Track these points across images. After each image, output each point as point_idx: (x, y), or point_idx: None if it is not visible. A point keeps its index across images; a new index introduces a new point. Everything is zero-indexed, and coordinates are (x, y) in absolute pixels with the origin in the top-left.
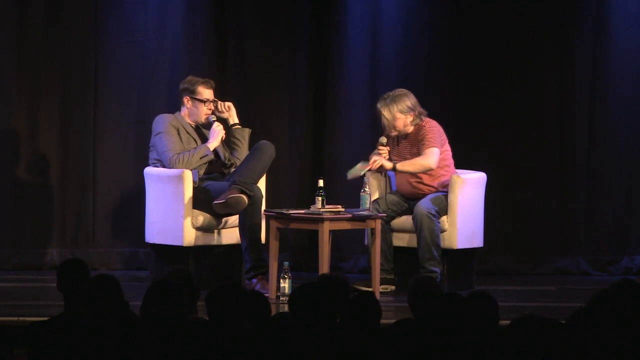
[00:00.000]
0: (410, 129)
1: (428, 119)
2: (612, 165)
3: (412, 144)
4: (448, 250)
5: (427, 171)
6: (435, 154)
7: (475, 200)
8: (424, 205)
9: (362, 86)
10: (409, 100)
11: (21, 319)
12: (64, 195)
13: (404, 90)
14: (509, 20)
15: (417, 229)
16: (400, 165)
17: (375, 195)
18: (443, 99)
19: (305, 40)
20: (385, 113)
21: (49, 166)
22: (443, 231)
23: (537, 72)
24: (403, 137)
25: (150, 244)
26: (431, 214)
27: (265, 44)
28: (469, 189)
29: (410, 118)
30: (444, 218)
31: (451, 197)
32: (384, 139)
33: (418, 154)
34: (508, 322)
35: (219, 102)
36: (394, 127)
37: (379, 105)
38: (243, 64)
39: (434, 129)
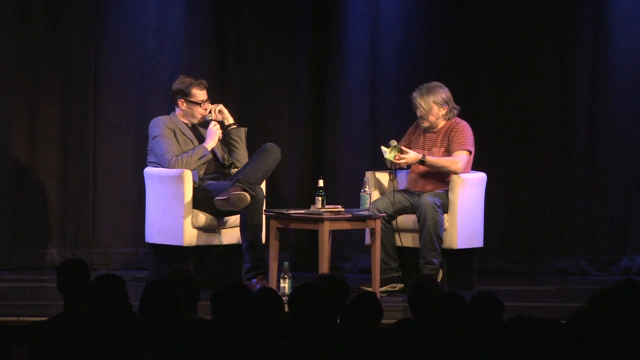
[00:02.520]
0: (441, 122)
1: (460, 119)
2: (612, 165)
3: (441, 138)
4: (448, 250)
5: (454, 170)
6: (464, 159)
7: (475, 200)
8: (429, 197)
9: (362, 86)
10: (444, 93)
11: (21, 319)
12: (64, 195)
13: (439, 83)
14: (508, 20)
15: (420, 219)
16: (428, 162)
17: (376, 195)
18: None
19: (305, 40)
20: (423, 103)
21: (49, 166)
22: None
23: (537, 72)
24: (429, 130)
25: (150, 244)
26: (436, 204)
27: (265, 44)
28: (469, 189)
29: (443, 111)
30: (445, 217)
31: (451, 197)
32: (394, 142)
33: (444, 148)
34: None
35: (210, 107)
36: (428, 118)
37: (415, 95)
38: (243, 64)
39: (467, 131)
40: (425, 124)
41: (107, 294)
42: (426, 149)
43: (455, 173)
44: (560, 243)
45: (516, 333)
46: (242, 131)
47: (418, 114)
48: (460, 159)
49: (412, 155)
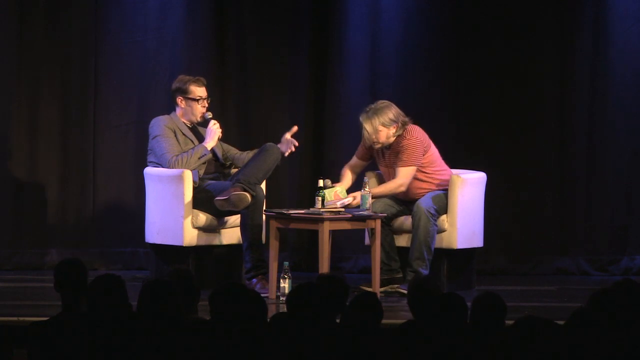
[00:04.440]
0: (393, 139)
1: (411, 128)
2: (612, 165)
3: (396, 153)
4: (448, 250)
5: (400, 190)
6: (408, 175)
7: (475, 200)
8: (425, 203)
9: (362, 86)
10: (391, 113)
11: (21, 319)
12: (64, 195)
13: (386, 102)
14: (508, 20)
15: (414, 226)
16: (375, 193)
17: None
18: (443, 99)
19: (305, 40)
20: (367, 126)
21: (49, 166)
22: (442, 231)
23: (537, 72)
24: (387, 147)
25: (150, 244)
26: (430, 212)
27: (265, 44)
28: (469, 189)
29: (393, 130)
30: (444, 217)
31: (451, 197)
32: (328, 182)
33: None
34: (510, 322)
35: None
36: (377, 140)
37: (361, 118)
38: (243, 64)
39: (412, 144)
40: (377, 146)
41: (107, 294)
42: (390, 167)
43: (402, 189)
44: (560, 243)
45: (518, 333)
46: (275, 155)
47: (365, 136)
48: (403, 174)
49: (357, 200)
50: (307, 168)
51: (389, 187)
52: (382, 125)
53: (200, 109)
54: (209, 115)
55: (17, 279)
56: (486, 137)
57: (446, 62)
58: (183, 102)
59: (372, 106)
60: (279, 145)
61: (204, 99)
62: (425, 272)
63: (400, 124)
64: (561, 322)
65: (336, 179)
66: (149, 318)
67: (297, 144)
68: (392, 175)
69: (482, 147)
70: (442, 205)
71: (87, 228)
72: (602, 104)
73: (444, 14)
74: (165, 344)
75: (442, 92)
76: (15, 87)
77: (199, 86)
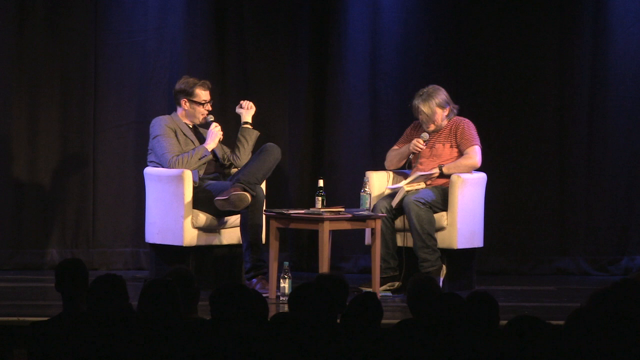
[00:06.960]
0: (445, 123)
1: (461, 117)
2: (612, 165)
3: (445, 135)
4: (448, 250)
5: (472, 170)
6: (479, 152)
7: (475, 200)
8: (412, 196)
9: (362, 86)
10: (443, 94)
11: (21, 319)
12: (64, 195)
13: (437, 86)
14: (508, 20)
15: (407, 219)
16: (446, 169)
17: (375, 195)
18: None
19: (305, 40)
20: (425, 108)
21: (49, 166)
22: (441, 229)
23: (537, 72)
24: (434, 131)
25: (150, 244)
26: (419, 202)
27: (265, 44)
28: (469, 189)
29: (446, 112)
30: (443, 215)
31: (451, 197)
32: (426, 135)
33: (449, 144)
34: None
35: (243, 102)
36: (433, 122)
37: (416, 102)
38: (243, 64)
39: (470, 125)
40: (432, 128)
41: (107, 294)
42: (428, 146)
43: (476, 167)
44: (560, 243)
45: (512, 332)
46: (254, 134)
47: (423, 119)
48: (474, 152)
49: (430, 173)
50: (307, 168)
51: (463, 163)
52: (438, 106)
53: (203, 112)
54: (211, 117)
55: (17, 279)
56: (486, 137)
57: (446, 62)
58: (187, 104)
59: (424, 90)
60: (238, 111)
61: (208, 102)
62: (431, 258)
63: (451, 108)
64: (561, 322)
65: (335, 179)
66: (149, 318)
67: (252, 106)
68: (434, 156)
69: (482, 146)
70: (435, 198)
71: (87, 228)
72: (602, 104)
73: (444, 14)
74: (165, 344)
75: None
76: (15, 87)
77: (204, 90)
